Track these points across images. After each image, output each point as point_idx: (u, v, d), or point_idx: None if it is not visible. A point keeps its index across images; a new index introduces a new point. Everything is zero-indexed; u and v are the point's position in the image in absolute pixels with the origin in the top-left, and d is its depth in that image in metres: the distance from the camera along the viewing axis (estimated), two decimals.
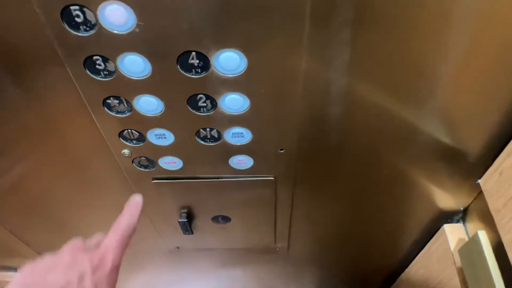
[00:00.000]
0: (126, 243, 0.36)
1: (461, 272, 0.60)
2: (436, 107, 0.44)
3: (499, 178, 0.49)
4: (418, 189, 0.59)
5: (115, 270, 0.34)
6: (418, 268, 0.77)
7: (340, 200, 0.62)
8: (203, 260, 0.83)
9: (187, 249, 0.76)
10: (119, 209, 0.63)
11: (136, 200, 0.40)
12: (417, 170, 0.55)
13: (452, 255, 0.62)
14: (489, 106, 0.44)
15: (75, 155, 0.52)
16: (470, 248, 0.56)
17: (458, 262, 0.60)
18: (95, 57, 0.37)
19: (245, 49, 0.36)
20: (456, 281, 0.61)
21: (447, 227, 0.64)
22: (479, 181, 0.54)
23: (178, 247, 0.77)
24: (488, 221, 0.56)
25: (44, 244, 0.75)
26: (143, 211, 0.58)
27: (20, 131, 0.47)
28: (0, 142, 0.49)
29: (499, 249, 0.52)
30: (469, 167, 0.53)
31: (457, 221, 0.66)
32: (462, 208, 0.63)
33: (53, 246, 0.69)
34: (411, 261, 0.79)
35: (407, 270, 0.81)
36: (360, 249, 0.79)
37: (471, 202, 0.62)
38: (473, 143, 0.50)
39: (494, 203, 0.51)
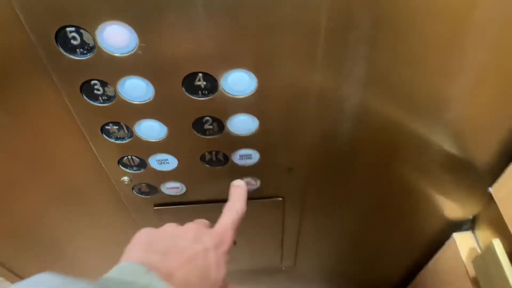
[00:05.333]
0: (238, 226, 0.38)
1: (475, 282, 0.58)
2: (448, 119, 0.43)
3: None
4: (427, 200, 0.57)
5: (229, 250, 0.36)
6: (426, 278, 0.75)
7: (349, 216, 0.60)
8: None
9: None
10: (118, 238, 0.60)
11: (240, 184, 0.41)
12: (427, 182, 0.54)
13: (464, 265, 0.60)
14: (499, 116, 0.43)
15: (71, 183, 0.48)
16: (485, 257, 0.55)
17: (472, 273, 0.58)
18: (93, 82, 0.34)
19: (256, 69, 0.34)
20: None
21: (457, 236, 0.62)
22: (491, 189, 0.52)
23: None
24: (498, 229, 0.55)
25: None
26: None
27: (12, 160, 0.44)
28: None
29: None
30: (479, 176, 0.52)
31: (466, 230, 0.64)
32: (471, 217, 0.62)
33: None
34: (418, 272, 0.77)
35: (415, 281, 0.80)
36: (368, 262, 0.77)
37: (480, 211, 0.60)
38: (483, 152, 0.49)
39: (508, 210, 0.50)
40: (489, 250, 0.53)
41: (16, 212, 0.53)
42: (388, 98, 0.40)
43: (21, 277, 0.71)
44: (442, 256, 0.68)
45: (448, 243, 0.65)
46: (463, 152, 0.49)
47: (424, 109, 0.42)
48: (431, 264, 0.72)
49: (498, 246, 0.51)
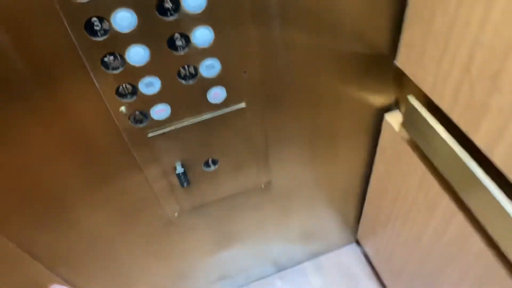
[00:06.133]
0: None
1: (411, 142, 0.75)
2: (346, 26, 0.61)
3: (408, 50, 0.65)
4: (358, 96, 0.74)
5: None
6: (379, 168, 0.91)
7: (300, 122, 0.76)
8: (200, 223, 0.93)
9: (185, 211, 0.85)
10: (119, 187, 0.72)
11: None
12: (353, 82, 0.71)
13: (399, 134, 0.77)
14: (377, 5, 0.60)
15: (80, 129, 0.61)
16: (409, 116, 0.71)
17: (405, 136, 0.76)
18: (93, 19, 0.48)
19: None
20: (409, 153, 0.76)
21: (387, 116, 0.79)
22: (396, 63, 0.69)
23: (176, 215, 0.86)
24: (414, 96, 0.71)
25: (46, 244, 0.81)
26: (144, 177, 0.68)
27: (27, 110, 0.56)
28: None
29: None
30: (387, 59, 0.69)
31: (394, 110, 0.81)
32: (394, 99, 0.79)
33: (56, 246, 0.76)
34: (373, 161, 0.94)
35: (372, 177, 0.96)
36: (328, 171, 0.93)
37: (399, 91, 0.78)
38: (383, 40, 0.66)
39: (412, 71, 0.66)
40: (409, 108, 0.70)
41: (22, 165, 0.64)
42: (301, 27, 0.57)
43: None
44: (383, 141, 0.85)
45: (383, 126, 0.82)
46: (369, 47, 0.66)
47: (327, 22, 0.59)
48: (378, 154, 0.89)
49: (413, 99, 0.68)
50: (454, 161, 0.62)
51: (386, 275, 1.17)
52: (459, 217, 0.67)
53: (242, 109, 0.67)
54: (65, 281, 0.96)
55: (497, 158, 0.53)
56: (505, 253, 0.57)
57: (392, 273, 1.12)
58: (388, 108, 0.80)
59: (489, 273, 0.64)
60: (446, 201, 0.69)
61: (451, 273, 0.77)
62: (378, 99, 0.78)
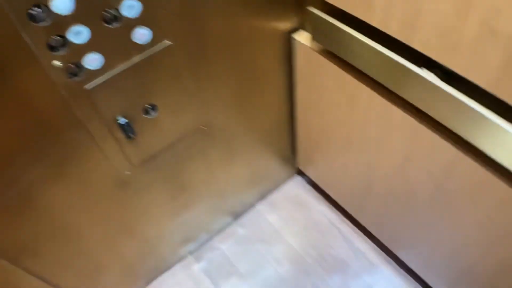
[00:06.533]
0: None
1: (322, 50, 0.85)
2: None
3: None
4: (264, 25, 0.83)
5: None
6: (301, 87, 1.01)
7: (223, 58, 0.83)
8: (153, 178, 0.98)
9: (136, 167, 0.90)
10: (67, 149, 0.74)
11: None
12: (253, 10, 0.79)
13: (310, 48, 0.87)
14: None
15: (14, 95, 0.63)
16: (315, 26, 0.80)
17: (317, 47, 0.85)
18: None
19: None
20: (323, 61, 0.85)
21: (294, 35, 0.89)
22: None
23: (128, 172, 0.90)
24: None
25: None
26: (89, 135, 0.71)
27: None
28: None
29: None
30: None
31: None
32: (298, 20, 0.88)
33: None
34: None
35: (296, 99, 1.06)
36: (257, 105, 1.01)
37: (302, 11, 0.87)
38: None
39: None
40: (313, 19, 0.79)
41: None
42: None
43: None
44: (297, 57, 0.93)
45: (295, 45, 0.91)
46: None
47: None
48: (298, 77, 0.98)
49: (313, 9, 0.78)
50: (365, 49, 0.72)
51: (333, 191, 1.29)
52: (378, 99, 0.78)
53: (169, 47, 0.72)
54: (33, 274, 0.96)
55: (394, 32, 0.64)
56: (425, 111, 0.69)
57: (336, 187, 1.24)
58: (295, 29, 0.89)
59: (416, 138, 0.75)
60: (363, 89, 0.80)
61: (385, 155, 0.89)
62: (285, 23, 0.87)
